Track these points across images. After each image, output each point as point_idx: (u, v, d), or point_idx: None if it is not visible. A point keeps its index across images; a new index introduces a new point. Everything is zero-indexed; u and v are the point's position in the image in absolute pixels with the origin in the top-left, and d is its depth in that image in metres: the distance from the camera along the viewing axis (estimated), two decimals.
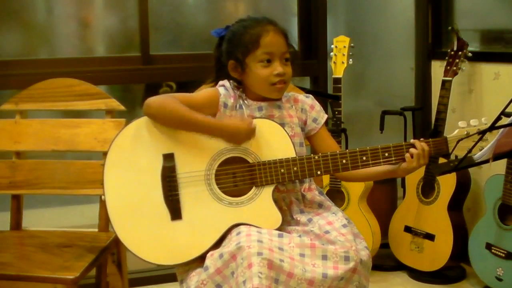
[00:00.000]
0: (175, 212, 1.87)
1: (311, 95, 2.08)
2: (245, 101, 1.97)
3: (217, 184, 1.88)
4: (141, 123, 1.91)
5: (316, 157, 1.90)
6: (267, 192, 1.87)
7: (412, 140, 1.91)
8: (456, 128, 1.93)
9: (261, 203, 1.87)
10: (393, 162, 1.91)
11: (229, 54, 1.96)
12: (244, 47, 1.92)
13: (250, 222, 1.84)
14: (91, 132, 2.46)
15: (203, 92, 1.99)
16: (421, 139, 1.91)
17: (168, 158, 1.88)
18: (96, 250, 2.22)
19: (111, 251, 2.37)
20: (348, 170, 1.90)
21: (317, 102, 2.06)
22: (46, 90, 2.51)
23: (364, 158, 1.89)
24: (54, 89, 2.52)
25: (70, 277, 2.00)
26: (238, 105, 1.96)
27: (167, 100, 1.89)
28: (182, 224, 1.86)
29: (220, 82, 2.00)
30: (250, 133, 1.87)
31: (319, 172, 1.90)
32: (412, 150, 1.89)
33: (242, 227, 1.81)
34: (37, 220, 2.85)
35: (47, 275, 2.01)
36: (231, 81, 1.99)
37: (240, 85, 1.99)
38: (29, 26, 3.28)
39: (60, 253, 2.20)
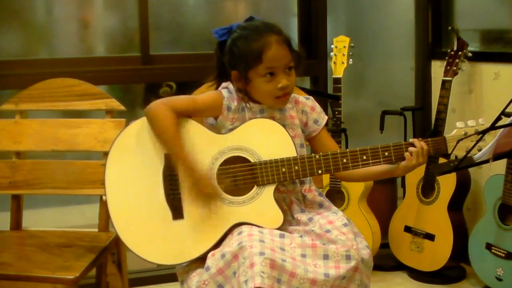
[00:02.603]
0: (177, 212, 1.86)
1: (311, 97, 2.08)
2: (247, 104, 1.96)
3: (219, 183, 1.88)
4: (143, 123, 1.90)
5: (317, 156, 1.90)
6: (269, 191, 1.87)
7: (411, 139, 1.92)
8: (455, 128, 1.94)
9: (263, 202, 1.87)
10: (393, 161, 1.91)
11: (231, 65, 1.93)
12: (245, 62, 1.88)
13: (251, 221, 1.84)
14: (91, 132, 2.46)
15: (207, 95, 1.98)
16: (420, 138, 1.92)
17: (170, 157, 1.88)
18: (96, 250, 2.22)
19: (111, 251, 2.37)
20: (348, 169, 1.91)
21: (317, 104, 2.06)
22: (46, 90, 2.51)
23: (365, 157, 1.90)
24: (54, 89, 2.51)
25: (70, 277, 2.00)
26: (240, 108, 1.96)
27: (164, 116, 1.86)
28: (183, 224, 1.86)
29: (224, 84, 1.99)
30: (204, 202, 1.83)
31: (320, 171, 1.90)
32: (411, 148, 1.89)
33: (243, 226, 1.81)
34: (37, 220, 2.85)
35: (47, 275, 2.01)
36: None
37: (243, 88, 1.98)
38: (29, 26, 3.28)
39: (60, 253, 2.20)
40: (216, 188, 1.86)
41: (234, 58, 1.91)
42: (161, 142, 1.88)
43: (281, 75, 1.89)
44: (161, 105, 1.89)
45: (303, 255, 1.79)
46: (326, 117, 2.06)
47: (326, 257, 1.79)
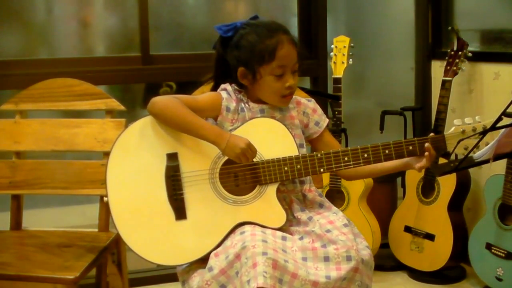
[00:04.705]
0: (180, 212, 1.86)
1: (313, 99, 2.09)
2: (247, 104, 1.96)
3: (221, 183, 1.88)
4: (145, 122, 1.90)
5: (319, 155, 1.90)
6: (271, 190, 1.88)
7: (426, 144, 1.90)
8: (453, 126, 1.94)
9: (266, 201, 1.87)
10: (394, 159, 1.91)
11: (239, 61, 1.92)
12: (259, 57, 1.88)
13: (255, 221, 1.84)
14: (91, 132, 2.46)
15: (206, 95, 1.98)
16: (419, 138, 1.92)
17: (172, 157, 1.88)
18: (96, 250, 2.22)
19: (111, 251, 2.37)
20: (350, 167, 1.91)
21: (318, 106, 2.07)
22: (46, 90, 2.51)
23: (366, 155, 1.90)
24: (54, 89, 2.52)
25: (70, 277, 2.00)
26: (240, 108, 1.96)
27: (172, 101, 1.87)
28: (187, 224, 1.86)
29: (222, 86, 1.99)
30: (245, 153, 1.83)
31: (322, 170, 1.90)
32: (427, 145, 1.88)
33: (246, 226, 1.82)
34: (37, 220, 2.85)
35: (47, 275, 2.01)
36: (232, 84, 1.98)
37: (242, 88, 1.98)
38: (29, 26, 3.28)
39: (60, 253, 2.20)
40: (246, 138, 1.84)
41: (245, 53, 1.91)
42: (177, 127, 1.87)
43: (288, 75, 1.91)
44: (166, 97, 1.90)
45: (304, 258, 1.79)
46: (327, 120, 2.06)
47: (326, 259, 1.79)
